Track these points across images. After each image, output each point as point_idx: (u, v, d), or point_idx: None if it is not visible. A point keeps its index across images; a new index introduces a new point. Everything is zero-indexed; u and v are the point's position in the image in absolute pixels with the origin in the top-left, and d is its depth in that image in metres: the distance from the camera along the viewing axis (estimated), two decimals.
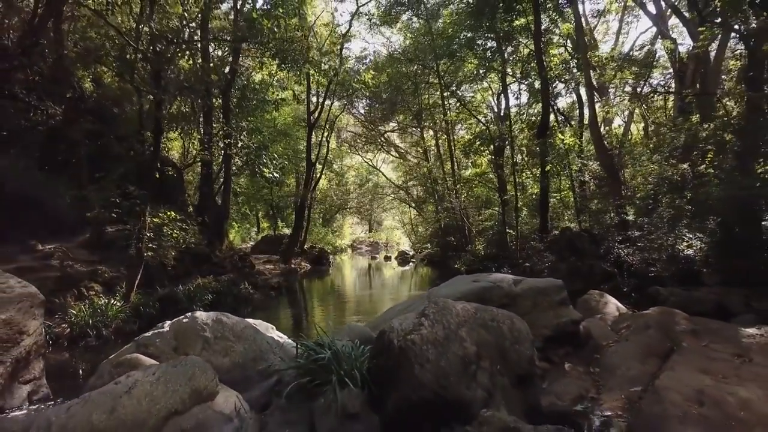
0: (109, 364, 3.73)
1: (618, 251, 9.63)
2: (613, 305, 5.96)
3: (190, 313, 4.08)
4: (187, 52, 9.45)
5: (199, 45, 11.01)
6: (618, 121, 22.01)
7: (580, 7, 17.73)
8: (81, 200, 11.03)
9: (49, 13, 9.52)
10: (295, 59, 10.47)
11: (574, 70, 13.42)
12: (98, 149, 12.48)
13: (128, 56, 9.61)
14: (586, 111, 20.81)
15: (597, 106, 19.60)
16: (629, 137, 18.55)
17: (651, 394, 3.32)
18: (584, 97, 17.25)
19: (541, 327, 4.31)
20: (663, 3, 15.57)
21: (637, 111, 19.37)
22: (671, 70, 17.51)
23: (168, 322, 4.06)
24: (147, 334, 3.97)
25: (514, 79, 17.99)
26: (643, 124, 21.16)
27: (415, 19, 23.22)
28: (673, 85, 17.29)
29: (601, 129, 21.11)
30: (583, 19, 19.29)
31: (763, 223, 8.44)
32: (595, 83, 14.68)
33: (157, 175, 8.90)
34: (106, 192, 8.66)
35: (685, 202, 9.85)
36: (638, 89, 16.09)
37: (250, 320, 4.27)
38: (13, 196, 10.52)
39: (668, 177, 10.84)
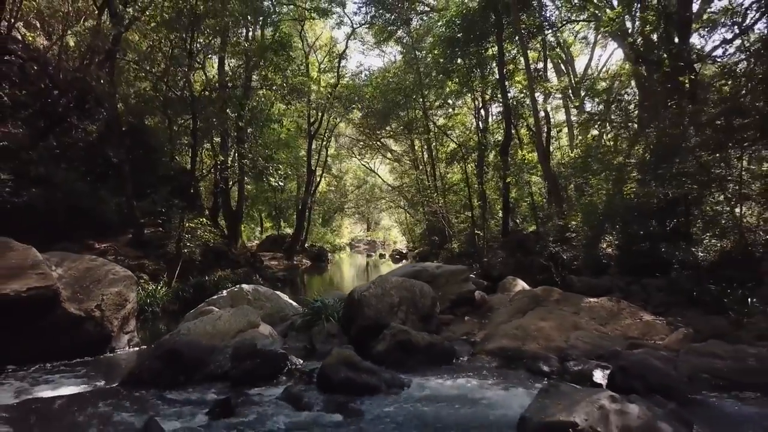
0: (192, 314, 6.39)
1: (551, 249, 12.28)
2: (520, 286, 8.61)
3: (238, 285, 6.76)
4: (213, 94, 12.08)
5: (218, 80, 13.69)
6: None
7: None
8: (124, 207, 13.69)
9: (104, 62, 12.17)
10: (300, 97, 13.07)
11: (527, 100, 16.05)
12: (135, 164, 15.12)
13: (162, 95, 12.29)
14: (564, 128, 23.46)
15: (572, 117, 22.24)
16: (602, 143, 21.09)
17: (501, 327, 5.98)
18: (551, 114, 19.96)
19: (450, 294, 6.97)
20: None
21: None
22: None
23: (225, 291, 6.75)
24: (213, 297, 6.67)
25: (489, 98, 20.61)
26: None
27: (404, 40, 25.89)
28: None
29: (577, 138, 23.77)
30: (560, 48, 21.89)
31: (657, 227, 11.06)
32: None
33: (192, 190, 11.50)
34: (156, 204, 11.28)
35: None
36: (610, 102, 18.55)
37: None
38: (68, 203, 13.12)
39: (601, 188, 13.48)
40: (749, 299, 6.48)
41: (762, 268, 7.21)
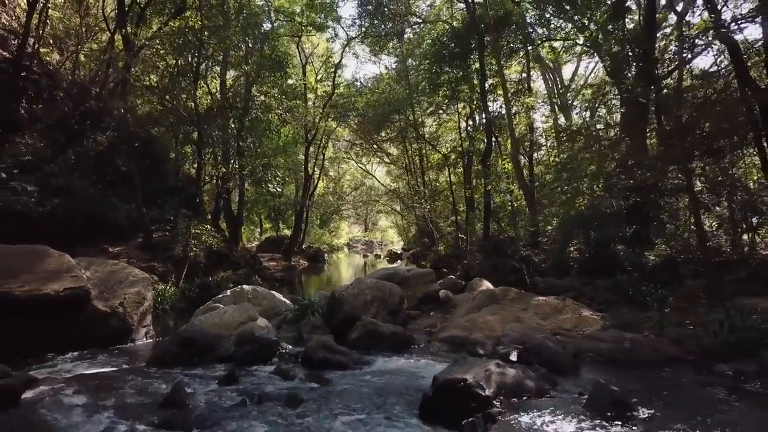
0: (202, 310, 7.66)
1: (522, 252, 13.55)
2: (485, 285, 9.86)
3: (240, 286, 8.04)
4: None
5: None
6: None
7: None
8: (133, 214, 14.94)
9: (117, 85, 13.46)
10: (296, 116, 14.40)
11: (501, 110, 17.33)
12: (143, 173, 16.38)
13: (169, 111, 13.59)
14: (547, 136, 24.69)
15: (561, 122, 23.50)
16: (590, 145, 22.27)
17: (455, 320, 7.25)
18: (536, 124, 21.23)
19: (418, 293, 8.26)
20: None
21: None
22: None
23: (228, 291, 8.02)
24: (219, 296, 7.96)
25: (475, 108, 21.89)
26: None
27: (397, 51, 27.15)
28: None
29: (563, 145, 25.02)
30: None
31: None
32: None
33: (197, 200, 12.78)
34: (165, 213, 12.57)
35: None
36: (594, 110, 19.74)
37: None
38: (84, 210, 14.34)
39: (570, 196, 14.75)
40: (668, 298, 7.74)
41: (683, 271, 8.46)
